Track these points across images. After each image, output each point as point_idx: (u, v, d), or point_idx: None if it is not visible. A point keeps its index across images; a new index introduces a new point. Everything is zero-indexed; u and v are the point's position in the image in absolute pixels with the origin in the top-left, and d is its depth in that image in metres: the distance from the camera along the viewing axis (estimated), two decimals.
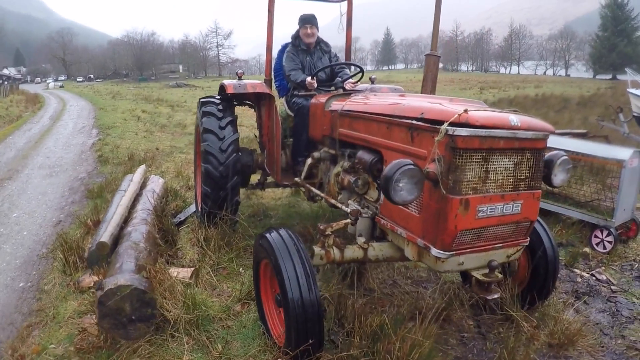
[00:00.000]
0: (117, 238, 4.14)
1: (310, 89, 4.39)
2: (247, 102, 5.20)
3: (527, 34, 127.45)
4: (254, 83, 4.55)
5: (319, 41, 4.90)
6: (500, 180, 2.46)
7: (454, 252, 2.46)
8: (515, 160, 2.49)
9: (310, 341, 2.46)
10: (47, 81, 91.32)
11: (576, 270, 4.46)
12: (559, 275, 4.32)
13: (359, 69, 4.60)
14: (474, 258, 2.55)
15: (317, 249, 2.81)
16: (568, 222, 5.52)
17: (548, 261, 3.21)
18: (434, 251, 2.46)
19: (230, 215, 4.44)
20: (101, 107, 23.89)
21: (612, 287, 4.10)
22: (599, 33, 72.95)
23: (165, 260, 4.30)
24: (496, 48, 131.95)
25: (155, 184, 5.97)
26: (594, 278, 4.29)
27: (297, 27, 4.88)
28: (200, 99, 4.88)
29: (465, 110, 2.31)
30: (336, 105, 3.66)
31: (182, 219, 5.37)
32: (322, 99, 3.98)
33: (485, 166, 2.39)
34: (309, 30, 4.75)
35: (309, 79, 4.36)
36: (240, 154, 4.54)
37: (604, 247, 4.91)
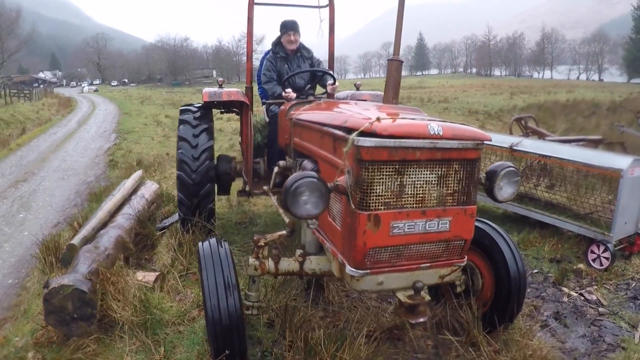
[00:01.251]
0: (91, 241, 4.19)
1: (288, 100, 4.32)
2: (235, 110, 5.19)
3: (560, 37, 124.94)
4: (229, 91, 4.55)
5: (301, 47, 4.83)
6: (421, 195, 2.27)
7: (368, 271, 2.31)
8: (440, 172, 2.29)
9: (227, 352, 2.39)
10: (82, 85, 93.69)
11: (564, 288, 4.19)
12: (544, 294, 4.09)
13: (331, 76, 4.51)
14: (396, 278, 2.38)
15: (251, 260, 2.74)
16: (567, 236, 5.24)
17: (511, 281, 2.95)
18: (348, 268, 2.34)
19: (203, 222, 4.41)
20: (126, 111, 24.53)
21: (600, 309, 3.83)
22: (632, 35, 70.34)
23: (138, 264, 4.41)
24: (529, 52, 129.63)
25: (147, 189, 6.02)
26: (582, 298, 4.02)
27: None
28: (180, 107, 4.91)
29: (378, 119, 2.16)
30: (293, 113, 3.58)
31: (167, 224, 5.38)
32: (287, 107, 3.91)
33: (400, 179, 2.22)
34: (292, 37, 4.70)
35: (283, 92, 4.30)
36: (213, 161, 4.52)
37: (601, 264, 4.61)
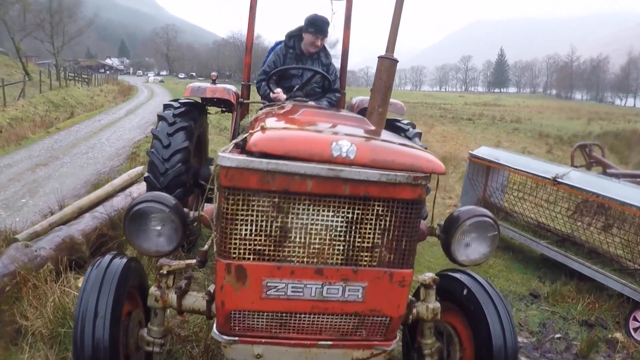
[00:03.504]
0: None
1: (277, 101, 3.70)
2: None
3: None
4: (215, 87, 4.07)
5: (320, 50, 4.07)
6: (317, 246, 1.57)
7: (237, 339, 1.68)
8: (350, 215, 1.57)
9: None
10: (148, 75, 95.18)
11: None
12: None
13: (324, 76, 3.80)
14: (283, 353, 1.72)
15: (152, 289, 2.13)
16: (609, 294, 4.24)
17: (494, 357, 2.18)
18: (213, 330, 1.75)
19: None
20: None
21: None
22: None
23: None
24: (613, 77, 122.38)
25: (140, 187, 5.63)
26: None
27: (299, 26, 4.05)
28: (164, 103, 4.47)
29: (262, 128, 1.51)
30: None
31: None
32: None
33: (281, 220, 1.54)
34: (318, 42, 3.92)
35: (272, 94, 3.73)
36: (190, 164, 3.97)
37: None
